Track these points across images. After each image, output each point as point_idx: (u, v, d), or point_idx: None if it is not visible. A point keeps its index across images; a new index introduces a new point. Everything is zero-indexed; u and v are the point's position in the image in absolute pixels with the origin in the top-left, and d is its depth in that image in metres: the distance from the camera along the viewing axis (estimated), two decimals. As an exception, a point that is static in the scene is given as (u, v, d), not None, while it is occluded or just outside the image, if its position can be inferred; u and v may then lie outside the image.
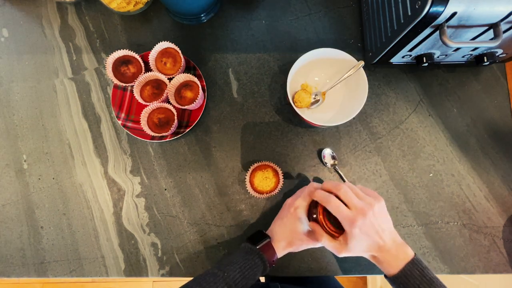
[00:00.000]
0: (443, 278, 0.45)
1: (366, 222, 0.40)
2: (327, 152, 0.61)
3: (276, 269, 0.58)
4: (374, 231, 0.41)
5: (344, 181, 0.60)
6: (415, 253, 0.43)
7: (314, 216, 0.46)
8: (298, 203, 0.49)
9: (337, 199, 0.43)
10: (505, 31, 0.47)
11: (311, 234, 0.49)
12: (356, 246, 0.42)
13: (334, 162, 0.61)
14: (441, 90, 0.65)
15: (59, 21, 0.66)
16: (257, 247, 0.48)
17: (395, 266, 0.41)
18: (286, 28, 0.67)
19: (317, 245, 0.49)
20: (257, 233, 0.52)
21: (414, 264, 0.41)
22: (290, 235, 0.49)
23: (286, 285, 0.63)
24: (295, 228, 0.49)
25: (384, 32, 0.55)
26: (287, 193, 0.61)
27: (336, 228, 0.44)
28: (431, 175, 0.62)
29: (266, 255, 0.47)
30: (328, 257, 0.59)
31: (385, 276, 0.44)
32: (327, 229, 0.44)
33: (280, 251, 0.49)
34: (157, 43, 0.59)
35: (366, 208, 0.41)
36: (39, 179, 0.61)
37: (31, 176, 0.61)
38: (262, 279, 0.81)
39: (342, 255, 0.43)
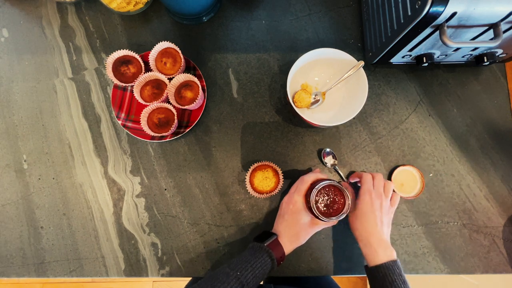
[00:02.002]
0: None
1: (376, 202, 0.51)
2: (327, 152, 0.62)
3: (276, 269, 0.58)
4: (377, 214, 0.50)
5: (344, 181, 0.61)
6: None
7: (308, 205, 0.50)
8: (295, 199, 0.52)
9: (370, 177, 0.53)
10: (505, 31, 0.47)
11: (314, 221, 0.52)
12: (361, 213, 0.51)
13: (334, 162, 0.61)
14: (441, 90, 0.65)
15: (59, 21, 0.66)
16: (265, 245, 0.49)
17: (381, 257, 0.48)
18: (286, 28, 0.67)
19: (321, 227, 0.53)
20: (263, 233, 0.53)
21: (396, 264, 0.47)
22: (294, 230, 0.51)
23: (281, 286, 0.63)
24: (298, 222, 0.51)
25: (384, 32, 0.55)
26: (287, 193, 0.61)
27: (323, 214, 0.50)
28: (431, 175, 0.62)
29: (274, 252, 0.49)
30: (328, 257, 0.59)
31: (367, 267, 0.49)
32: (316, 213, 0.50)
33: (288, 247, 0.51)
34: (157, 43, 0.59)
35: (384, 197, 0.52)
36: (39, 179, 0.61)
37: (31, 176, 0.61)
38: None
39: (350, 219, 0.53)
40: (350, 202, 0.50)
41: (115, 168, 0.61)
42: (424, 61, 0.56)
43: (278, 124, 0.63)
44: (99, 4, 0.67)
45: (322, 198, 0.51)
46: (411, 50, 0.54)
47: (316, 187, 0.49)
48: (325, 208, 0.50)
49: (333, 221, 0.50)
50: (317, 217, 0.49)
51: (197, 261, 0.59)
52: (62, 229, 0.60)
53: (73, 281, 1.40)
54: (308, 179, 0.53)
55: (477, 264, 0.59)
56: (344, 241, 0.60)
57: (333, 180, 0.51)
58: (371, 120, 0.63)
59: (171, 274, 0.58)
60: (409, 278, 0.48)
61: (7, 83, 0.64)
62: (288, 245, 0.51)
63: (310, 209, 0.50)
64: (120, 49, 0.59)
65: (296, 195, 0.52)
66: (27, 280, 1.41)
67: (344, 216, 0.49)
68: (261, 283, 0.78)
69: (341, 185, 0.50)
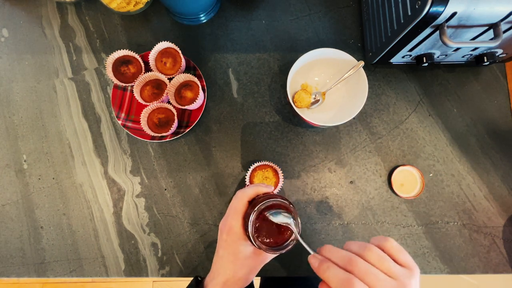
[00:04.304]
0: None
1: None
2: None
3: (275, 269, 0.58)
4: None
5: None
6: None
7: (247, 233, 0.38)
8: (229, 224, 0.40)
9: (366, 264, 0.29)
10: (505, 31, 0.47)
11: (258, 251, 0.40)
12: None
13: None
14: (441, 90, 0.65)
15: (59, 21, 0.66)
16: None
17: None
18: (286, 28, 0.67)
19: (270, 258, 0.41)
20: (195, 280, 0.44)
21: None
22: (232, 270, 0.39)
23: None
24: (237, 257, 0.39)
25: (384, 32, 0.55)
26: (287, 193, 0.61)
27: (268, 244, 0.38)
28: (431, 175, 0.62)
29: None
30: (328, 257, 0.59)
31: None
32: (257, 244, 0.37)
33: None
34: (157, 43, 0.59)
35: None
36: (39, 179, 0.61)
37: (31, 176, 0.61)
38: (258, 280, 0.81)
39: None
40: (300, 222, 0.38)
41: (115, 168, 0.61)
42: (424, 61, 0.56)
43: (278, 124, 0.63)
44: (99, 4, 0.67)
45: (266, 222, 0.38)
46: (411, 50, 0.54)
47: (256, 208, 0.37)
48: (270, 236, 0.38)
49: (282, 251, 0.38)
50: (259, 248, 0.38)
51: (197, 261, 0.59)
52: (62, 229, 0.60)
53: (73, 281, 1.40)
54: (244, 195, 0.41)
55: (477, 264, 0.59)
56: (345, 241, 0.60)
57: (278, 196, 0.40)
58: (371, 120, 0.63)
59: (171, 274, 0.58)
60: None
61: (7, 83, 0.64)
62: None
63: (249, 237, 0.38)
64: (120, 49, 0.59)
65: (231, 219, 0.39)
66: (27, 280, 1.41)
67: (293, 243, 0.37)
68: (258, 283, 0.77)
69: (288, 201, 0.39)
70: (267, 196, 0.40)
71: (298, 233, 0.37)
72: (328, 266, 0.30)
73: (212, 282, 0.39)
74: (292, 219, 0.37)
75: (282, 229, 0.39)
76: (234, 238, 0.39)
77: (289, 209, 0.38)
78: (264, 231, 0.39)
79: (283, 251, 0.38)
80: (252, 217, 0.37)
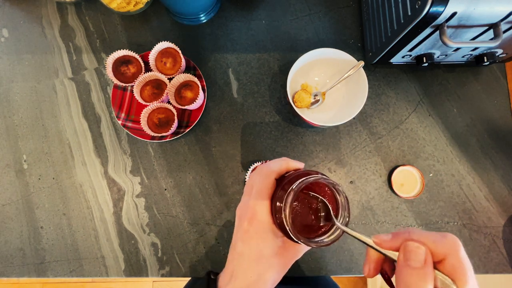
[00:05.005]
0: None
1: None
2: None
3: None
4: None
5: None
6: None
7: (279, 220, 0.28)
8: (252, 208, 0.30)
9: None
10: (505, 31, 0.47)
11: (288, 245, 0.31)
12: None
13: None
14: (441, 90, 0.65)
15: (59, 21, 0.66)
16: None
17: None
18: (286, 28, 0.67)
19: (301, 254, 0.33)
20: (207, 276, 0.35)
21: None
22: (253, 269, 0.30)
23: (279, 286, 0.63)
24: (261, 252, 0.29)
25: (384, 32, 0.55)
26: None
27: (307, 235, 0.29)
28: (431, 175, 0.62)
29: None
30: (328, 257, 0.59)
31: None
32: (294, 235, 0.27)
33: None
34: (157, 43, 0.59)
35: None
36: (39, 179, 0.61)
37: (31, 176, 0.61)
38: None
39: None
40: (346, 203, 0.29)
41: (115, 168, 0.61)
42: (424, 61, 0.56)
43: (278, 124, 0.63)
44: (99, 4, 0.67)
45: (302, 205, 0.29)
46: (411, 50, 0.54)
47: (295, 186, 0.27)
48: (306, 226, 0.29)
49: (326, 243, 0.28)
50: (295, 241, 0.27)
51: (197, 261, 0.59)
52: (62, 229, 0.60)
53: (73, 281, 1.40)
54: (271, 171, 0.31)
55: (477, 264, 0.59)
56: (344, 241, 0.60)
57: (317, 172, 0.30)
58: (371, 120, 0.63)
59: (171, 274, 0.58)
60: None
61: (7, 83, 0.64)
62: None
63: (281, 226, 0.28)
64: (120, 49, 0.59)
65: (254, 202, 0.30)
66: (27, 280, 1.41)
67: (338, 233, 0.28)
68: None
69: (329, 178, 0.29)
70: (303, 172, 0.30)
71: (349, 217, 0.29)
72: (408, 230, 0.24)
73: (228, 287, 0.30)
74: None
75: (320, 215, 0.29)
76: (259, 228, 0.29)
77: (335, 187, 0.29)
78: (298, 219, 0.29)
79: (328, 244, 0.28)
80: (289, 199, 0.27)
